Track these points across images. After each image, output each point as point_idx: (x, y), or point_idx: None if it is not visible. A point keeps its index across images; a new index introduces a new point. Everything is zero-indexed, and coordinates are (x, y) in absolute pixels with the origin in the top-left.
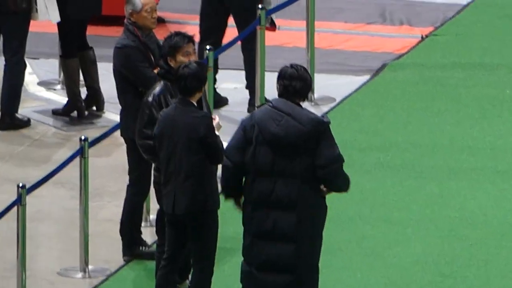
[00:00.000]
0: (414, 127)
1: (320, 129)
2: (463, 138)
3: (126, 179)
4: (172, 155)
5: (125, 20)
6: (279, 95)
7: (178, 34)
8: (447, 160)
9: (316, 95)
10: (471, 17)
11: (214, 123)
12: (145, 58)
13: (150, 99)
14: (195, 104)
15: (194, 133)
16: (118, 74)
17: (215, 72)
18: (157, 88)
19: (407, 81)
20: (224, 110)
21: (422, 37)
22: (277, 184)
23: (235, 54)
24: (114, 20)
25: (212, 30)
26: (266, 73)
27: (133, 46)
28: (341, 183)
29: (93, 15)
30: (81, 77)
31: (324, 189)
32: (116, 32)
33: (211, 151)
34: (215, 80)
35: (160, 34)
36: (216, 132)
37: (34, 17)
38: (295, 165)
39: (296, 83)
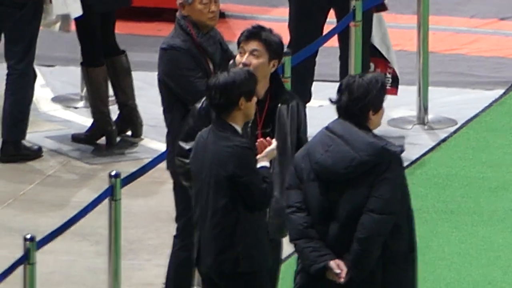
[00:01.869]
0: None
1: (380, 159)
2: None
3: (171, 229)
4: (200, 194)
5: (177, 14)
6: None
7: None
8: None
9: (431, 116)
10: None
11: (267, 149)
12: (198, 65)
13: (198, 105)
14: (236, 128)
15: (222, 169)
16: (163, 85)
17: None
18: None
19: None
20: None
21: None
22: (330, 228)
23: (325, 61)
24: (154, 14)
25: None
26: None
27: (182, 48)
28: (377, 243)
29: (122, 7)
30: (111, 92)
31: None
32: (156, 31)
33: (245, 193)
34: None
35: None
36: (265, 163)
37: (46, 10)
38: (340, 205)
39: (343, 97)
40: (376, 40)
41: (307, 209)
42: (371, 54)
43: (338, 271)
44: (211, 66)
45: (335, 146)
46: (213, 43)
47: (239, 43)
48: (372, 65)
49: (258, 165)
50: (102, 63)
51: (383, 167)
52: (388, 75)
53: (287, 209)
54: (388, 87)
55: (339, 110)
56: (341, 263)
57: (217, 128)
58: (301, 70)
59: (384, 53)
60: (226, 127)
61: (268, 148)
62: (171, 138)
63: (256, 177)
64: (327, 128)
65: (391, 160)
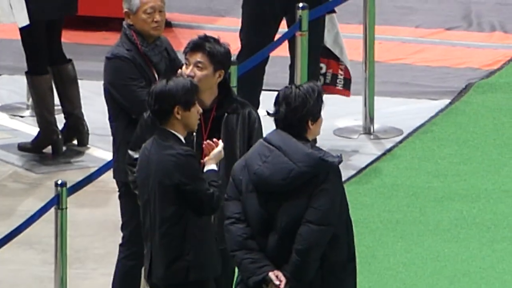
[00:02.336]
0: (510, 169)
1: (318, 170)
2: None
3: (118, 238)
4: (147, 206)
5: (123, 23)
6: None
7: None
8: None
9: (377, 125)
10: None
11: (214, 151)
12: (141, 74)
13: (145, 114)
14: (178, 136)
15: (166, 178)
16: (107, 93)
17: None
18: None
19: (500, 108)
20: None
21: None
22: (269, 239)
23: (273, 70)
24: (101, 23)
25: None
26: None
27: (126, 57)
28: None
29: (67, 15)
30: (57, 101)
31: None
32: (103, 40)
33: (192, 201)
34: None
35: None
36: (213, 166)
37: None
38: (279, 216)
39: (277, 108)
40: (328, 42)
41: (246, 220)
42: (324, 55)
43: (277, 282)
44: (156, 76)
45: (273, 157)
46: (158, 52)
47: (185, 53)
48: (324, 66)
49: (206, 168)
50: (47, 72)
51: (321, 178)
52: (340, 76)
53: (226, 220)
54: (340, 88)
55: (277, 121)
56: (280, 274)
57: (159, 137)
58: (250, 79)
59: (337, 53)
60: (168, 136)
61: (215, 150)
62: (116, 147)
63: (202, 183)
64: (264, 139)
65: (329, 171)
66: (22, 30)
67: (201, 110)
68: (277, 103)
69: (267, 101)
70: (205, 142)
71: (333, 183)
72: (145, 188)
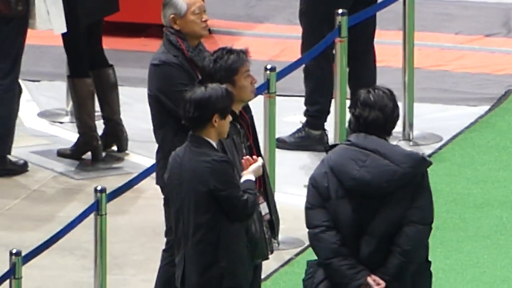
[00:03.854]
0: None
1: (421, 170)
2: None
3: (157, 244)
4: (180, 213)
5: (165, 29)
6: (351, 130)
7: (228, 51)
8: None
9: (416, 132)
10: None
11: (253, 166)
12: (190, 80)
13: None
14: (212, 143)
15: (201, 185)
16: (155, 101)
17: None
18: None
19: None
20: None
21: None
22: (362, 244)
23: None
24: (140, 29)
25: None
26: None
27: (175, 63)
28: (420, 254)
29: (109, 15)
30: (96, 107)
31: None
32: (142, 46)
33: (227, 207)
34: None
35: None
36: (250, 176)
37: (31, 25)
38: (378, 220)
39: (369, 112)
40: None
41: (335, 227)
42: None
43: (376, 287)
44: None
45: (371, 161)
46: (203, 57)
47: (237, 67)
48: None
49: (243, 179)
50: (89, 75)
51: (419, 177)
52: None
53: (313, 229)
54: None
55: (360, 125)
56: (377, 278)
57: (192, 144)
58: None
59: None
60: (202, 143)
61: (255, 165)
62: (163, 155)
63: (237, 189)
64: (352, 144)
65: (426, 170)
66: (64, 34)
67: (231, 118)
68: (367, 106)
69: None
70: (244, 157)
71: (428, 181)
72: (178, 195)
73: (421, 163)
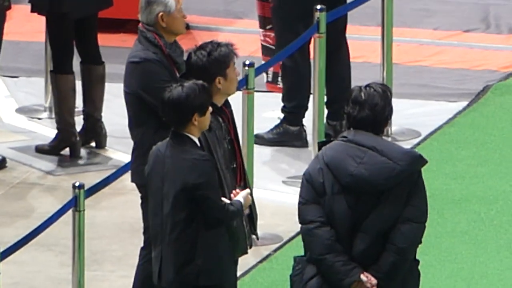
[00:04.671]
0: None
1: (418, 168)
2: None
3: (135, 241)
4: (159, 208)
5: (140, 27)
6: (347, 126)
7: (217, 44)
8: None
9: (395, 128)
10: None
11: (243, 193)
12: (171, 76)
13: None
14: (194, 139)
15: (180, 182)
16: (134, 99)
17: None
18: None
19: None
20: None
21: None
22: (355, 240)
23: None
24: (118, 25)
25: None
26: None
27: (156, 60)
28: (406, 266)
29: (103, 9)
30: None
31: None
32: (121, 42)
33: (202, 207)
34: None
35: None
36: (241, 199)
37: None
38: (373, 217)
39: (358, 111)
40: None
41: (329, 223)
42: (267, 53)
43: (369, 285)
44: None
45: (369, 157)
46: (180, 53)
47: (230, 61)
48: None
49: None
50: (72, 72)
51: (416, 175)
52: (269, 73)
53: (308, 224)
54: (280, 87)
55: (350, 123)
56: (369, 275)
57: (175, 141)
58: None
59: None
60: (185, 140)
61: (244, 192)
62: (141, 152)
63: (215, 192)
64: (350, 140)
65: (421, 168)
66: (50, 29)
67: (211, 109)
68: (358, 104)
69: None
70: (234, 192)
71: (423, 180)
72: (158, 190)
73: (419, 161)
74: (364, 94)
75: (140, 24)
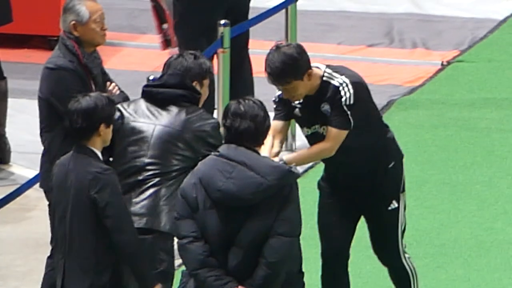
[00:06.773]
0: (432, 186)
1: (288, 182)
2: (497, 201)
3: (40, 256)
4: (63, 222)
5: (62, 34)
6: (225, 140)
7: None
8: (473, 234)
9: (298, 143)
10: (507, 37)
11: None
12: (84, 86)
13: None
14: (97, 153)
15: (84, 195)
16: (47, 104)
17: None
18: None
19: (422, 124)
20: None
21: (442, 64)
22: (230, 255)
23: None
24: (23, 41)
25: None
26: None
27: (70, 69)
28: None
29: (1, 25)
30: None
31: None
32: (25, 58)
33: (104, 220)
34: None
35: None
36: None
37: None
38: (244, 231)
39: (240, 122)
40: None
41: (203, 237)
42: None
43: None
44: (94, 88)
45: (237, 172)
46: (97, 64)
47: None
48: (166, 25)
49: None
50: None
51: (287, 189)
52: (169, 36)
53: (182, 239)
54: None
55: (231, 134)
56: None
57: (78, 154)
58: None
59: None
60: (88, 153)
61: None
62: (49, 158)
63: (126, 215)
64: (221, 155)
65: (293, 182)
66: None
67: (112, 127)
68: (238, 116)
69: None
70: None
71: (296, 194)
72: (62, 204)
73: (288, 176)
74: (243, 106)
75: (62, 31)
